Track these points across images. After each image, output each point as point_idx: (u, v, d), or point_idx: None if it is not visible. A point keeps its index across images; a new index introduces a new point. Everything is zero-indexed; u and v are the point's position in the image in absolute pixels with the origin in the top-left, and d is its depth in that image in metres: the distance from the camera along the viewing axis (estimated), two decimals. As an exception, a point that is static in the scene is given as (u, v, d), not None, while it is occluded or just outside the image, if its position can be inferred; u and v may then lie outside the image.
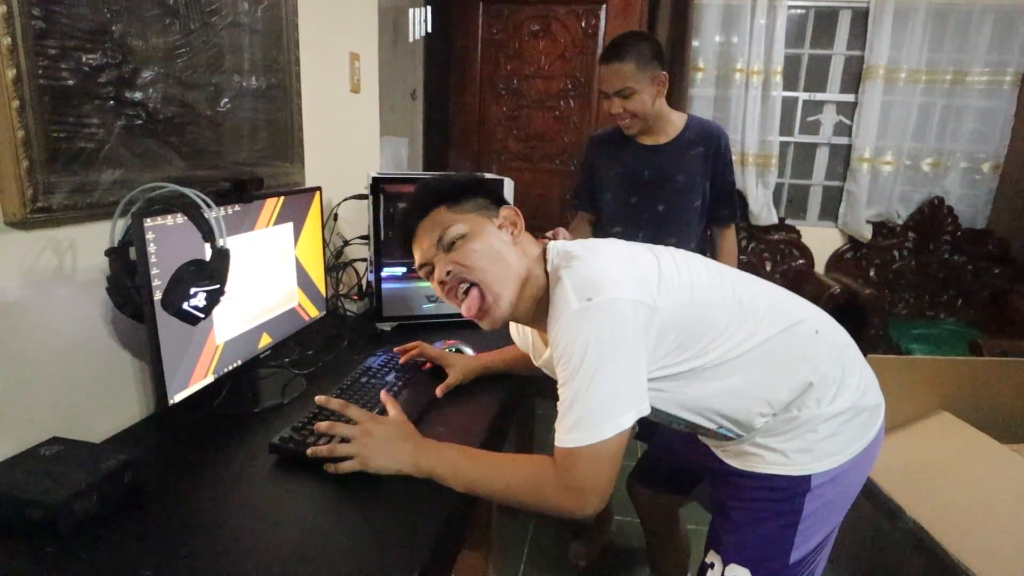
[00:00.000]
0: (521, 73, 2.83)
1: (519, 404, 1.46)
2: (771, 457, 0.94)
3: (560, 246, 0.93)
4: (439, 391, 1.18)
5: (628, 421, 0.80)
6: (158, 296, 0.87)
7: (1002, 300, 2.89)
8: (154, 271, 0.87)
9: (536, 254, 0.96)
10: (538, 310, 0.94)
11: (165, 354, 0.90)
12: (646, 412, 0.83)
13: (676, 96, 2.93)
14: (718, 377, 0.90)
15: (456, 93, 2.91)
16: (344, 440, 0.89)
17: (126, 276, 0.91)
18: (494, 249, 0.92)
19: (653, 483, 1.40)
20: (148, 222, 0.86)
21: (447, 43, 2.86)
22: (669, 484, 1.37)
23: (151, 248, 0.86)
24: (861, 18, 2.94)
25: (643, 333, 0.83)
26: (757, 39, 2.88)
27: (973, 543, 1.31)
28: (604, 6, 2.67)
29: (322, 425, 0.91)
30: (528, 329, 1.10)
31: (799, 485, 0.93)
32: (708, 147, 1.73)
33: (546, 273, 0.93)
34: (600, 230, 1.87)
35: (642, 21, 2.76)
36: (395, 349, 1.30)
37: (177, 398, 0.93)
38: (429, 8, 2.68)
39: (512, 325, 1.15)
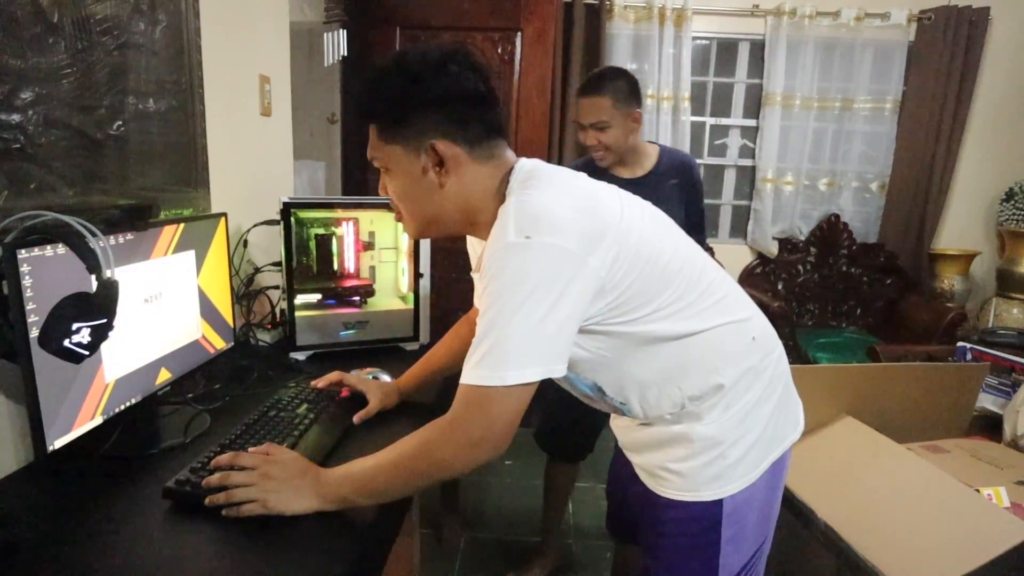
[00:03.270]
0: (441, 97, 2.84)
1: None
2: (679, 483, 0.93)
3: (527, 169, 0.86)
4: (357, 418, 1.14)
5: (534, 375, 0.75)
6: (34, 333, 0.80)
7: (894, 308, 3.12)
8: (30, 306, 0.80)
9: (485, 187, 0.86)
10: (485, 230, 0.86)
11: (43, 396, 0.82)
12: (559, 374, 0.78)
13: (593, 121, 3.03)
14: (645, 350, 0.87)
15: (375, 117, 2.88)
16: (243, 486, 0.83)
17: (-3, 312, 0.83)
18: (409, 194, 0.86)
19: (616, 532, 1.40)
20: (23, 253, 0.79)
21: (365, 67, 2.84)
22: (623, 532, 1.35)
23: (26, 281, 0.79)
24: (759, 49, 3.16)
25: (576, 291, 0.76)
26: (666, 67, 3.03)
27: (878, 540, 1.39)
28: (519, 34, 2.73)
29: (213, 479, 0.84)
30: (473, 241, 1.04)
31: (711, 511, 0.92)
32: (683, 178, 1.80)
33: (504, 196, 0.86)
34: None
35: (556, 49, 2.85)
36: (312, 383, 1.25)
37: (58, 444, 0.85)
38: (345, 32, 2.65)
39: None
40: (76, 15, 1.05)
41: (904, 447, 1.65)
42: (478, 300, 0.92)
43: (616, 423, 1.08)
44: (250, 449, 0.90)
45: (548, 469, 1.93)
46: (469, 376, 0.76)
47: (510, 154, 0.89)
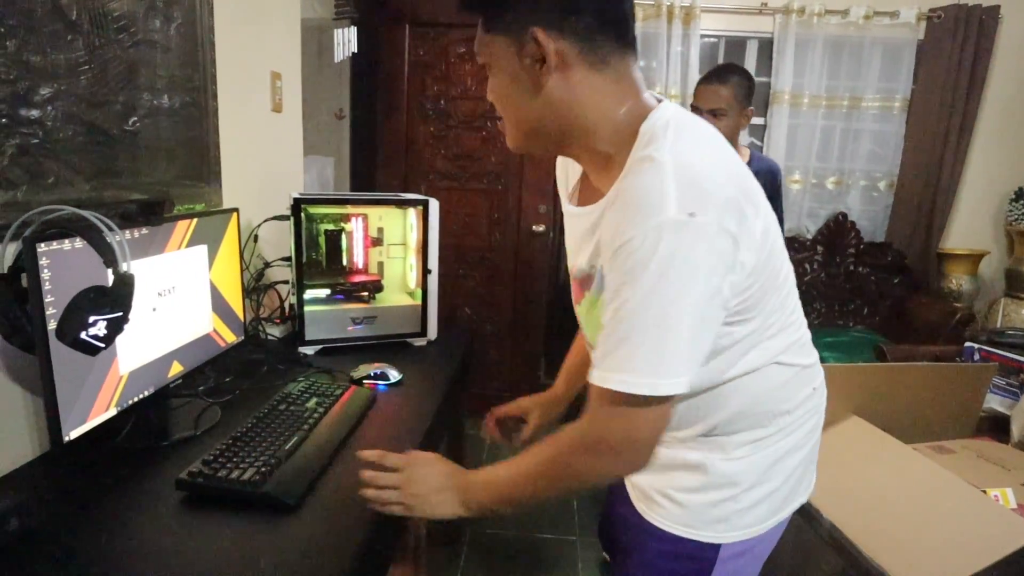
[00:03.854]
0: (448, 94, 2.85)
1: (447, 427, 1.45)
2: (677, 514, 0.85)
3: (672, 112, 0.72)
4: (525, 437, 1.12)
5: (683, 386, 0.64)
6: (52, 326, 0.81)
7: (902, 308, 3.11)
8: (48, 299, 0.81)
9: (601, 104, 0.72)
10: (595, 161, 0.76)
11: (60, 387, 0.84)
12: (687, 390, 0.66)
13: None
14: (716, 367, 0.76)
15: (383, 113, 2.89)
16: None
17: (16, 304, 0.85)
18: (508, 95, 0.74)
19: (603, 543, 1.28)
20: (42, 247, 0.81)
21: (374, 64, 2.85)
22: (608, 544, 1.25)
23: (45, 274, 0.81)
24: (767, 47, 3.14)
25: (728, 285, 0.65)
26: (674, 65, 3.03)
27: (884, 541, 1.39)
28: (529, 31, 2.73)
29: (365, 475, 0.84)
30: (571, 167, 0.89)
31: (705, 554, 0.84)
32: (768, 182, 1.81)
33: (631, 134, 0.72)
34: None
35: (566, 46, 2.84)
36: (488, 435, 1.19)
37: (73, 434, 0.87)
38: (355, 29, 2.66)
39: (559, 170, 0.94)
40: (94, 12, 1.06)
41: (910, 447, 1.65)
42: (577, 252, 0.80)
43: None
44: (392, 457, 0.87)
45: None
46: (611, 379, 0.65)
47: (639, 76, 0.74)
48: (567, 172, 0.90)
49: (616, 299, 0.64)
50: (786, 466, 0.85)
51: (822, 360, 0.97)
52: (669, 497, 0.85)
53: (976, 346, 2.13)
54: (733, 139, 1.81)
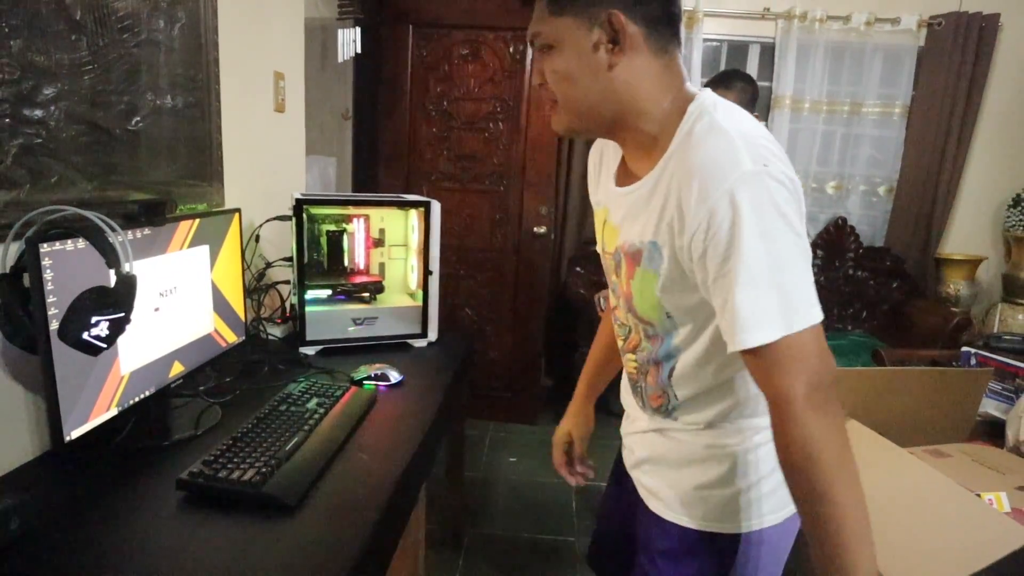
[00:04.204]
0: (451, 95, 2.85)
1: (447, 428, 1.46)
2: (700, 510, 0.86)
3: (715, 98, 0.75)
4: (580, 455, 1.15)
5: (820, 314, 0.67)
6: (54, 326, 0.81)
7: (900, 312, 3.12)
8: (50, 299, 0.82)
9: (655, 88, 0.75)
10: (639, 142, 0.79)
11: (61, 387, 0.84)
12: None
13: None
14: None
15: (386, 114, 2.90)
16: None
17: (18, 304, 0.85)
18: (573, 74, 0.75)
19: (597, 566, 1.22)
20: (44, 247, 0.81)
21: (377, 64, 2.86)
22: (605, 566, 1.20)
23: (47, 275, 0.81)
24: (769, 51, 3.15)
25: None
26: (676, 68, 3.04)
27: (879, 543, 1.39)
28: (531, 33, 2.74)
29: None
30: (609, 150, 0.91)
31: (729, 544, 0.85)
32: None
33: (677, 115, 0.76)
34: None
35: (567, 48, 2.85)
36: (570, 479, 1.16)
37: (74, 434, 0.87)
38: (359, 29, 2.67)
39: (592, 158, 0.97)
40: (98, 12, 1.07)
41: (906, 451, 1.66)
42: (625, 230, 0.82)
43: (635, 430, 0.98)
44: None
45: None
46: (766, 331, 0.65)
47: (683, 66, 0.79)
48: (602, 159, 0.92)
49: (727, 264, 0.66)
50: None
51: None
52: (690, 495, 0.87)
53: (973, 351, 2.14)
54: None
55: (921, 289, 3.18)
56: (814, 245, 3.22)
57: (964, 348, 2.19)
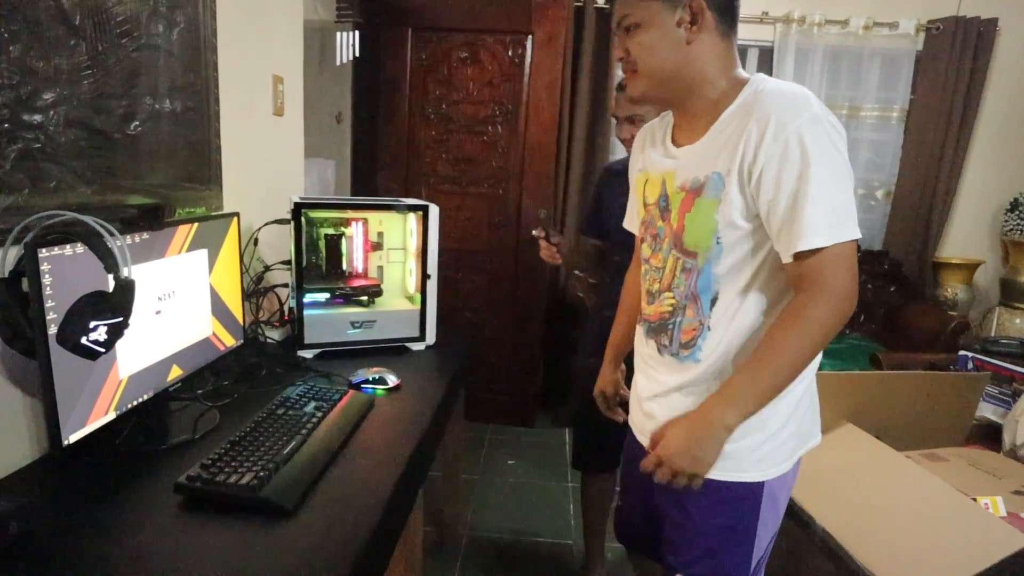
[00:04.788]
0: (450, 98, 2.86)
1: (445, 431, 1.46)
2: (723, 462, 0.93)
3: (767, 77, 0.93)
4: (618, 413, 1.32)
5: (859, 232, 0.84)
6: (52, 330, 0.82)
7: (898, 316, 3.13)
8: (49, 304, 0.82)
9: (719, 64, 0.93)
10: (701, 109, 0.95)
11: (60, 391, 0.84)
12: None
13: (602, 128, 3.04)
14: (773, 276, 0.91)
15: (385, 116, 2.90)
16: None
17: (17, 309, 0.85)
18: (656, 47, 0.92)
19: (627, 538, 1.35)
20: (43, 252, 0.81)
21: (376, 67, 2.86)
22: (634, 538, 1.32)
23: (46, 280, 0.82)
24: (768, 55, 3.16)
25: None
26: (674, 72, 3.04)
27: (876, 547, 1.40)
28: (530, 37, 2.75)
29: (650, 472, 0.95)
30: (656, 132, 1.08)
31: (754, 491, 0.97)
32: None
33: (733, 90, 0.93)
34: (608, 255, 1.81)
35: (567, 53, 2.86)
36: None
37: (73, 438, 0.87)
38: (357, 33, 2.67)
39: (637, 140, 1.15)
40: (97, 18, 1.07)
41: (903, 455, 1.66)
42: (685, 173, 0.95)
43: (655, 392, 1.05)
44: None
45: (584, 487, 1.89)
46: (822, 237, 0.81)
47: (736, 52, 0.96)
48: (651, 139, 1.09)
49: (782, 178, 0.83)
50: (806, 403, 0.99)
51: (819, 368, 1.03)
52: (735, 440, 0.94)
53: (970, 355, 2.14)
54: None
55: (919, 293, 3.18)
56: (812, 248, 3.23)
57: (961, 352, 2.19)
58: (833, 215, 0.82)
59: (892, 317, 3.17)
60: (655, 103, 1.02)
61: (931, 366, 2.47)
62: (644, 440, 1.08)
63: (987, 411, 1.96)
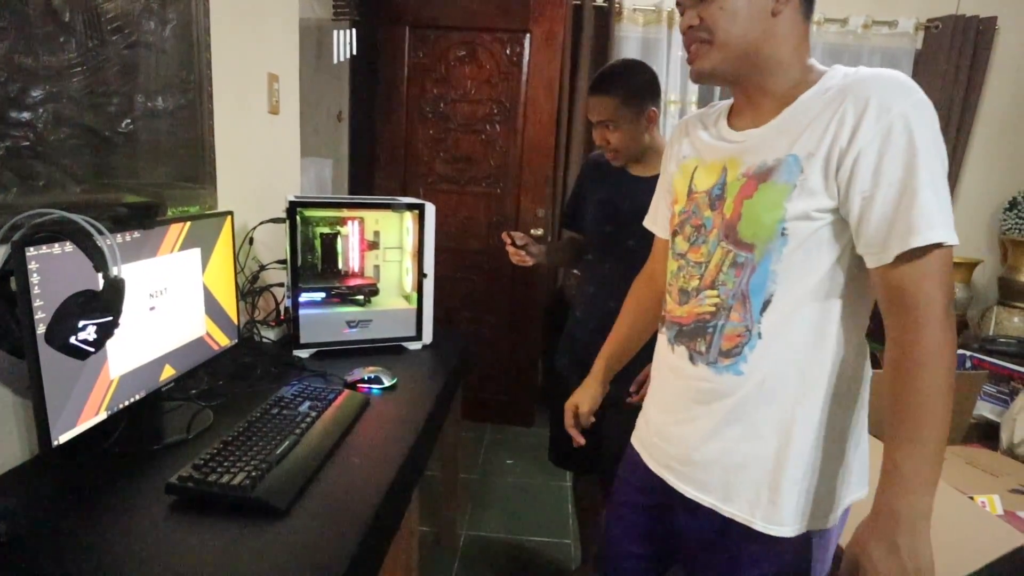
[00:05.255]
0: (447, 97, 2.85)
1: (441, 430, 1.45)
2: (793, 506, 0.83)
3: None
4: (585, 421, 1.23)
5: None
6: (41, 330, 0.81)
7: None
8: (37, 303, 0.81)
9: (796, 45, 0.83)
10: (770, 90, 0.85)
11: (49, 392, 0.83)
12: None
13: (598, 123, 3.03)
14: (846, 286, 0.80)
15: (383, 115, 2.89)
16: None
17: (5, 308, 0.84)
18: (740, 13, 0.81)
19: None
20: (31, 251, 0.80)
21: (373, 66, 2.85)
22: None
23: (34, 279, 0.81)
24: (766, 54, 3.15)
25: None
26: (674, 70, 3.03)
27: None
28: (528, 35, 2.74)
29: None
30: (711, 116, 0.97)
31: (810, 542, 0.85)
32: None
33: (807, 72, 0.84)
34: (583, 250, 1.75)
35: (565, 52, 2.85)
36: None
37: (63, 439, 0.86)
38: (354, 31, 2.66)
39: (676, 134, 1.04)
40: (87, 14, 1.06)
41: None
42: (751, 157, 0.84)
43: (688, 408, 0.92)
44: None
45: (573, 484, 1.92)
46: (929, 233, 0.71)
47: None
48: (690, 128, 1.00)
49: (884, 166, 0.73)
50: (857, 451, 0.88)
51: None
52: (785, 487, 0.83)
53: (968, 353, 2.13)
54: (635, 146, 1.52)
55: (918, 291, 3.18)
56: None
57: (960, 351, 2.19)
58: (947, 212, 0.71)
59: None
60: (721, 81, 0.89)
61: (930, 365, 2.46)
62: (656, 468, 0.97)
63: (985, 409, 1.96)
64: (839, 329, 0.81)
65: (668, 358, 0.96)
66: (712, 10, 0.81)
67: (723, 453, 0.87)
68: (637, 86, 1.50)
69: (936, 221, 0.71)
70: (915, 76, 3.06)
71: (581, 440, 1.22)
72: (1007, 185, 3.13)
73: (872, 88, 0.74)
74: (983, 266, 3.18)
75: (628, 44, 3.05)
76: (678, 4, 0.87)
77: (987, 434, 1.87)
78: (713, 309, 0.87)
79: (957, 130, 3.07)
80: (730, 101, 0.95)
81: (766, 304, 0.82)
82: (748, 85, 0.87)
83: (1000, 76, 3.07)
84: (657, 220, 1.13)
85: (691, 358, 0.90)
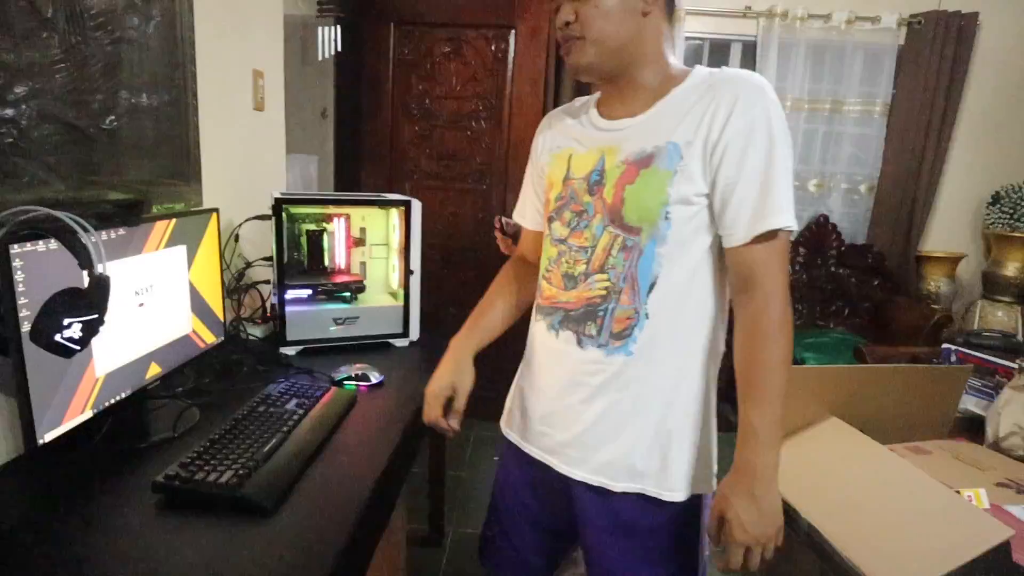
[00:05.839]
0: (433, 94, 2.84)
1: (428, 427, 1.45)
2: (681, 472, 0.90)
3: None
4: (456, 425, 1.08)
5: None
6: (26, 328, 0.80)
7: (882, 309, 3.16)
8: (22, 300, 0.80)
9: (661, 46, 0.90)
10: (640, 86, 0.91)
11: (34, 389, 0.83)
12: None
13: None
14: (714, 266, 0.89)
15: (368, 112, 2.88)
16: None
17: (-11, 306, 0.83)
18: (612, 13, 0.86)
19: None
20: (15, 248, 0.80)
21: (358, 62, 2.84)
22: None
23: (18, 276, 0.80)
24: (751, 50, 3.17)
25: None
26: (660, 67, 3.04)
27: (860, 541, 1.41)
28: (513, 31, 2.74)
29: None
30: (580, 110, 1.02)
31: (695, 504, 0.92)
32: None
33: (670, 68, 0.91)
34: None
35: (551, 48, 2.85)
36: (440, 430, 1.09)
37: (48, 437, 0.86)
38: (339, 27, 2.65)
39: (544, 126, 1.09)
40: (69, 10, 1.05)
41: (887, 448, 1.67)
42: (628, 145, 0.89)
43: (576, 391, 0.94)
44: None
45: None
46: (779, 218, 0.80)
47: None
48: (554, 122, 1.06)
49: (748, 157, 0.81)
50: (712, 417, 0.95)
51: (803, 362, 1.01)
52: (673, 454, 0.91)
53: (953, 348, 2.16)
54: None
55: (903, 286, 3.21)
56: (796, 243, 3.25)
57: (944, 345, 2.21)
58: (792, 200, 0.82)
59: (876, 311, 3.20)
60: (597, 75, 0.92)
61: (914, 359, 2.50)
62: (541, 455, 1.00)
63: (970, 403, 1.98)
64: (712, 305, 0.90)
65: (550, 344, 0.98)
66: (588, 8, 0.86)
67: (615, 431, 0.92)
68: None
69: (785, 208, 0.81)
70: (898, 71, 3.10)
71: (456, 428, 1.09)
72: (990, 179, 3.18)
73: (740, 87, 0.83)
74: (967, 260, 3.22)
75: (615, 41, 3.05)
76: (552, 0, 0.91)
77: (972, 428, 1.89)
78: (604, 293, 0.91)
79: (940, 125, 3.11)
80: (596, 95, 1.00)
81: (652, 286, 0.88)
82: (620, 79, 0.92)
83: (982, 71, 3.11)
84: (526, 213, 1.15)
85: (579, 342, 0.93)
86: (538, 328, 1.01)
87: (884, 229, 3.23)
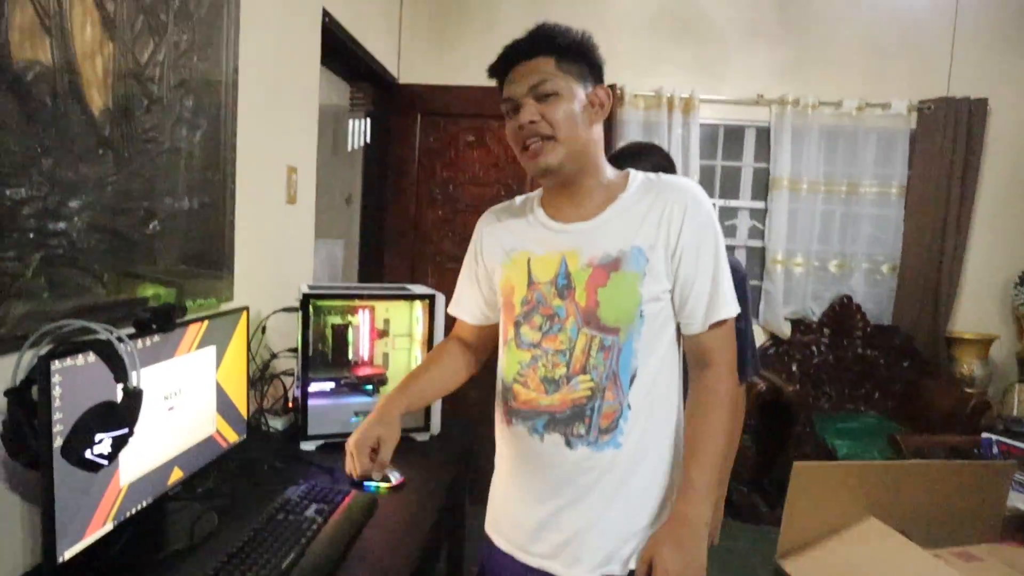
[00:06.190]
0: (456, 180, 2.94)
1: (449, 526, 1.41)
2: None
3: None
4: (379, 470, 0.97)
5: None
6: (58, 442, 0.81)
7: (913, 391, 3.07)
8: (56, 415, 0.81)
9: (601, 153, 0.99)
10: (591, 187, 0.98)
11: (59, 507, 0.82)
12: None
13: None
14: (671, 349, 0.98)
15: (393, 198, 2.98)
16: None
17: (25, 419, 0.84)
18: (573, 118, 0.93)
19: None
20: (56, 364, 0.81)
21: (385, 150, 2.96)
22: None
23: (56, 391, 0.81)
24: (765, 134, 3.25)
25: None
26: (675, 150, 3.12)
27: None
28: (535, 121, 2.84)
29: None
30: (524, 210, 1.06)
31: None
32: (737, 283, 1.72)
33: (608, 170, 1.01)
34: None
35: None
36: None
37: (68, 555, 0.84)
38: (369, 120, 2.78)
39: (487, 223, 1.12)
40: (125, 128, 1.11)
41: (932, 554, 1.58)
42: (594, 248, 0.95)
43: (568, 492, 0.95)
44: None
45: None
46: (728, 309, 0.94)
47: None
48: (497, 223, 1.09)
49: (700, 258, 0.93)
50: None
51: (834, 449, 1.05)
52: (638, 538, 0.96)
53: (994, 438, 2.08)
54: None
55: (933, 368, 3.13)
56: (820, 324, 3.20)
57: (984, 435, 2.12)
58: (733, 291, 0.96)
59: (908, 393, 3.11)
60: (562, 177, 0.95)
61: (953, 449, 2.40)
62: (540, 564, 0.98)
63: (1019, 501, 1.88)
64: (676, 387, 1.00)
65: (536, 448, 0.97)
66: (555, 110, 0.92)
67: (612, 520, 0.95)
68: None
69: (731, 298, 0.95)
70: (912, 154, 3.15)
71: (377, 477, 1.04)
72: (1016, 259, 3.15)
73: (685, 196, 0.94)
74: (999, 342, 3.15)
75: (630, 127, 3.15)
76: (508, 100, 0.96)
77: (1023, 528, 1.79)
78: (589, 392, 0.94)
79: (959, 205, 3.11)
80: (536, 194, 1.07)
81: (632, 379, 0.94)
82: (574, 181, 0.98)
83: (996, 153, 3.14)
84: (466, 307, 1.14)
85: (568, 443, 0.95)
86: (516, 432, 1.00)
87: (910, 309, 3.19)
